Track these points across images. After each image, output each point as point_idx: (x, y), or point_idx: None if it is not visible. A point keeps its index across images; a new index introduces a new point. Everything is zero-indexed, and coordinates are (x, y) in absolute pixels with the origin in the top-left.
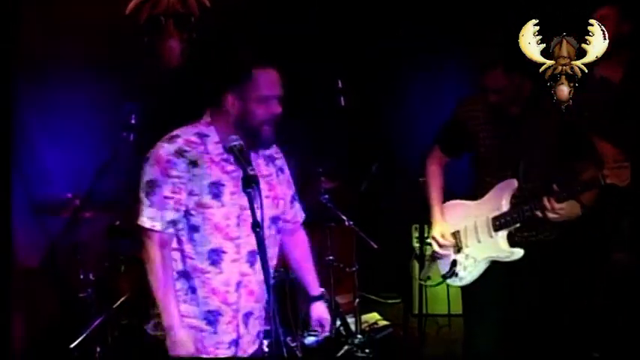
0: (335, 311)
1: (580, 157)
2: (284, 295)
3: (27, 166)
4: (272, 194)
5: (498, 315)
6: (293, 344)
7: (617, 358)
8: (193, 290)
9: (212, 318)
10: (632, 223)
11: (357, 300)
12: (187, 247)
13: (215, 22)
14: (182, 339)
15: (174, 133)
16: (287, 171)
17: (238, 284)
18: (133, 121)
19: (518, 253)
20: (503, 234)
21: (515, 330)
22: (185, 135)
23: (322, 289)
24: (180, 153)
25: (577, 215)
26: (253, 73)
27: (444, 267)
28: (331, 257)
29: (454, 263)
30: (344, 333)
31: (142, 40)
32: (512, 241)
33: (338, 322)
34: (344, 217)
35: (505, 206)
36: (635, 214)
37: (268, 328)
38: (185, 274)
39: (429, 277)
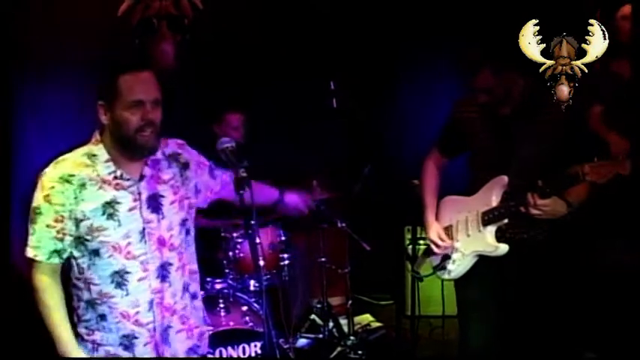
0: (328, 313)
1: (580, 153)
2: (276, 297)
3: (22, 169)
4: (177, 197)
5: (492, 313)
6: (286, 346)
7: (610, 358)
8: (103, 317)
9: (127, 342)
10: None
11: (350, 302)
12: (89, 274)
13: (209, 23)
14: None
15: (63, 157)
16: (193, 158)
17: (150, 303)
18: None
19: (504, 248)
20: (491, 229)
21: (508, 329)
22: (73, 157)
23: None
24: (64, 179)
25: (562, 214)
26: (117, 79)
27: (435, 260)
28: (324, 259)
29: (445, 257)
30: (337, 335)
31: (134, 42)
32: (504, 238)
33: (331, 324)
34: (336, 219)
35: (495, 202)
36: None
37: (193, 343)
38: (91, 303)
39: (417, 272)
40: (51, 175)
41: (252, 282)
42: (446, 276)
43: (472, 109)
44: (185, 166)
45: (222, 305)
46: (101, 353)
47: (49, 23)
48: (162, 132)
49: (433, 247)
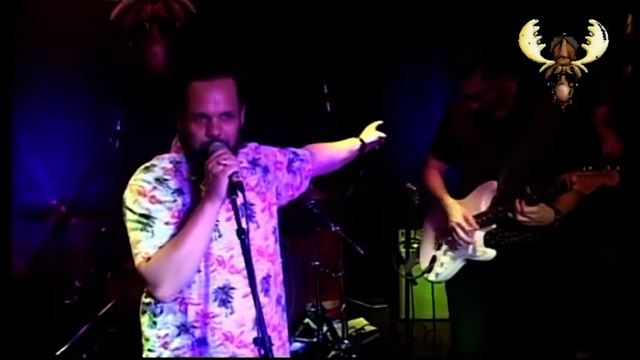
0: (322, 316)
1: (572, 159)
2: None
3: (13, 172)
4: (266, 204)
5: (483, 316)
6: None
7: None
8: (202, 342)
9: None
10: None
11: (344, 305)
12: (187, 292)
13: (201, 27)
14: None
15: (149, 163)
16: (270, 159)
17: (256, 320)
18: (118, 128)
19: (491, 253)
20: (480, 233)
21: (500, 332)
22: (160, 163)
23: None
24: (161, 181)
25: (549, 221)
26: (186, 89)
27: (424, 262)
28: (317, 262)
29: (433, 259)
30: (331, 338)
31: (126, 45)
32: (493, 242)
33: (325, 328)
34: (330, 223)
35: (484, 206)
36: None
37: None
38: (185, 327)
39: (410, 273)
40: (146, 178)
41: None
42: (432, 278)
43: (464, 112)
44: (266, 170)
45: None
46: None
47: (42, 28)
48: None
49: (459, 231)
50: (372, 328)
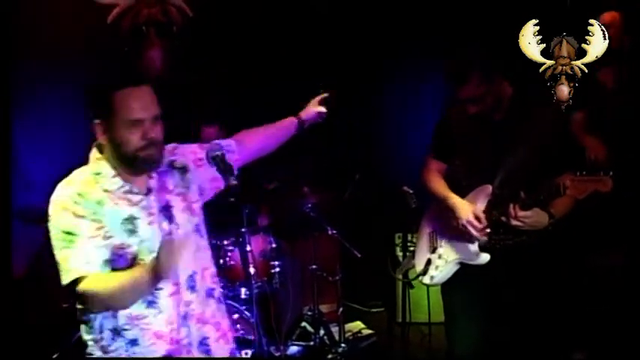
0: (319, 320)
1: (565, 160)
2: (267, 305)
3: (11, 174)
4: (186, 204)
5: (479, 320)
6: (277, 354)
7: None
8: (134, 342)
9: None
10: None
11: (341, 309)
12: None
13: (199, 31)
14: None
15: (68, 178)
16: (189, 157)
17: (184, 317)
18: None
19: (485, 257)
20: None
21: (495, 335)
22: (80, 177)
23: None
24: (82, 196)
25: (543, 225)
26: (113, 98)
27: (419, 265)
28: (315, 266)
29: (428, 262)
30: (328, 342)
31: (123, 49)
32: (489, 244)
33: (322, 331)
34: (327, 226)
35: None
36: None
37: (231, 348)
38: (117, 331)
39: (406, 275)
40: (67, 193)
41: (243, 290)
42: (427, 281)
43: (464, 115)
44: (183, 170)
45: None
46: None
47: (41, 30)
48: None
49: (471, 229)
50: (369, 331)
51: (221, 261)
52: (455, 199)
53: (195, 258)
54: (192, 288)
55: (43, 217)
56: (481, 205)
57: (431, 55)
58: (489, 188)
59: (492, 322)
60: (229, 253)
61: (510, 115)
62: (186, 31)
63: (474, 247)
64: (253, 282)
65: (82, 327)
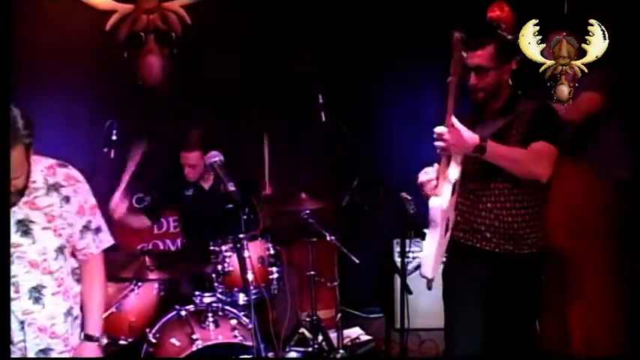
0: (317, 326)
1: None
2: (265, 311)
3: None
4: (52, 226)
5: (478, 325)
6: None
7: None
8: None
9: None
10: None
11: (339, 315)
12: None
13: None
14: None
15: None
16: (77, 198)
17: (23, 324)
18: (114, 137)
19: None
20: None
21: (494, 340)
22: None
23: (98, 334)
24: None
25: (466, 149)
26: None
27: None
28: (313, 272)
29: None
30: (326, 348)
31: (122, 55)
32: (488, 248)
33: (320, 337)
34: (325, 232)
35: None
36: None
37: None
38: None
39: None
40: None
41: (241, 296)
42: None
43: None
44: (66, 199)
45: (211, 319)
46: None
47: (38, 37)
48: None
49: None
50: (367, 337)
51: (219, 267)
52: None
53: (46, 274)
54: (36, 299)
55: None
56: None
57: (432, 59)
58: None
59: (492, 327)
60: (227, 259)
61: (506, 104)
62: (185, 38)
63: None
64: (251, 288)
65: None
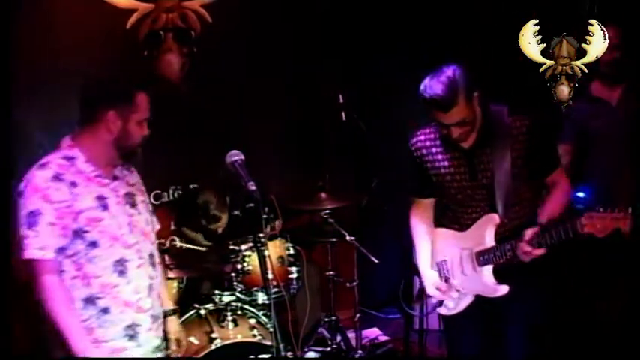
0: (336, 326)
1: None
2: (284, 311)
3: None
4: (143, 198)
5: (479, 326)
6: None
7: None
8: (105, 310)
9: (132, 332)
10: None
11: (358, 315)
12: (89, 267)
13: (217, 37)
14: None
15: (42, 161)
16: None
17: (149, 288)
18: None
19: (504, 289)
20: (488, 268)
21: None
22: (54, 160)
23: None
24: (57, 178)
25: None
26: (136, 95)
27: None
28: (332, 272)
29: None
30: (344, 348)
31: (141, 54)
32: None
33: (339, 337)
34: (345, 232)
35: (489, 242)
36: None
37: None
38: (91, 299)
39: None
40: (42, 176)
41: (260, 295)
42: (445, 312)
43: (432, 140)
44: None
45: (230, 318)
46: (105, 350)
47: (55, 35)
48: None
49: (435, 296)
50: (385, 338)
51: (239, 266)
52: (424, 268)
53: (152, 244)
54: (153, 265)
55: None
56: (490, 236)
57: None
58: (496, 218)
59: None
60: (247, 259)
61: (482, 133)
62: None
63: (490, 278)
64: (271, 287)
65: None
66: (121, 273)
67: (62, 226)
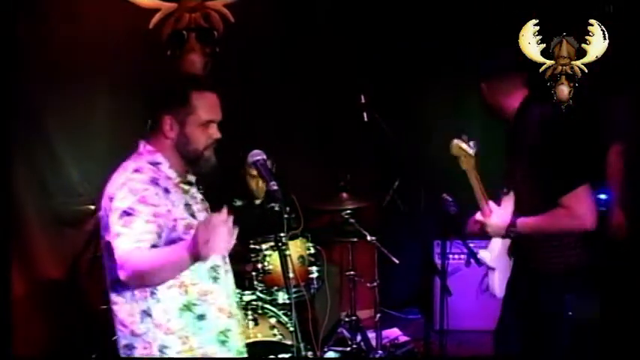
0: (356, 326)
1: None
2: (304, 310)
3: (52, 179)
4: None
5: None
6: None
7: None
8: (201, 317)
9: (224, 337)
10: None
11: (378, 315)
12: (187, 275)
13: (239, 36)
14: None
15: (135, 166)
16: None
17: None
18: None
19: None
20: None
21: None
22: (142, 165)
23: None
24: (153, 181)
25: (500, 231)
26: (191, 97)
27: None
28: (352, 272)
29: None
30: (364, 348)
31: (165, 54)
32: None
33: (359, 338)
34: (365, 233)
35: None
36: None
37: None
38: (188, 306)
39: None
40: (140, 178)
41: (280, 294)
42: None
43: None
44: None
45: (250, 317)
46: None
47: (80, 35)
48: None
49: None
50: (406, 338)
51: (259, 265)
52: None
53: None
54: (214, 279)
55: (83, 220)
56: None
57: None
58: (512, 198)
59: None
60: (268, 258)
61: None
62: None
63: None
64: (291, 287)
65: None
66: (215, 279)
67: (158, 225)
